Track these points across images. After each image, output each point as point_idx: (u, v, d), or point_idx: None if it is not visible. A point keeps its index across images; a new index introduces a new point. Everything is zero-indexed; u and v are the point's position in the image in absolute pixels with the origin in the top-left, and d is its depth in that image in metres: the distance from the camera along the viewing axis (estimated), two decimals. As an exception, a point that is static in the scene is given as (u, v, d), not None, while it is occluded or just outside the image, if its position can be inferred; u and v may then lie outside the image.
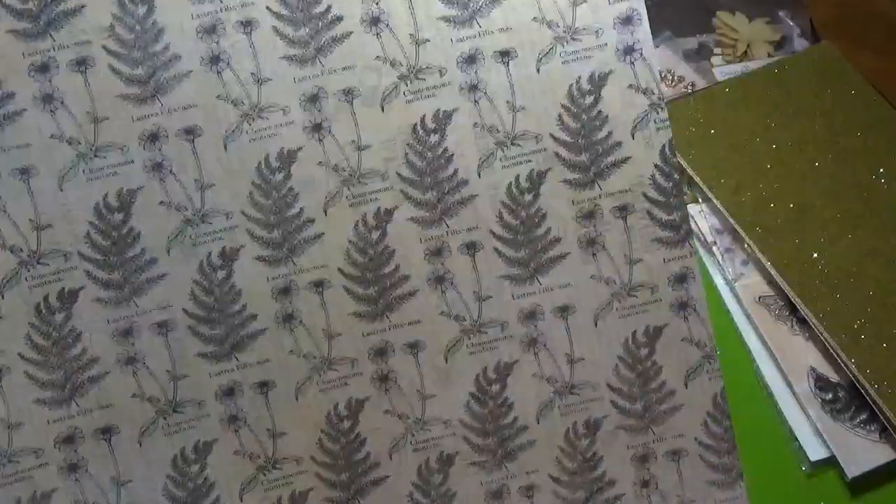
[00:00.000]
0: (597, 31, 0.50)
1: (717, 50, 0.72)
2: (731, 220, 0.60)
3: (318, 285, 0.49)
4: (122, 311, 0.48)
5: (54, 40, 0.46)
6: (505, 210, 0.50)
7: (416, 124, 0.49)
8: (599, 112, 0.50)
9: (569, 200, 0.50)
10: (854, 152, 0.62)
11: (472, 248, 0.50)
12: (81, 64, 0.47)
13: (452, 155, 0.50)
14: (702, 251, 0.61)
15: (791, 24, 0.73)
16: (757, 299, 0.58)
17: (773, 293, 0.59)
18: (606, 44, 0.50)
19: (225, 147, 0.48)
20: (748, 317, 0.58)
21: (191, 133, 0.48)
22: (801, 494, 0.55)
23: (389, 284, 0.50)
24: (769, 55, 0.71)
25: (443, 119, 0.49)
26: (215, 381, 0.49)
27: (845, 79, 0.66)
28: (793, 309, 0.58)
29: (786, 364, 0.56)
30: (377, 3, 0.48)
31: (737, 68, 0.69)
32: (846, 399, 0.55)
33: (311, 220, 0.49)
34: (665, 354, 0.51)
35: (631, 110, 0.50)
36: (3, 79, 0.46)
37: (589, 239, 0.50)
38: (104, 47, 0.47)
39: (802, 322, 0.57)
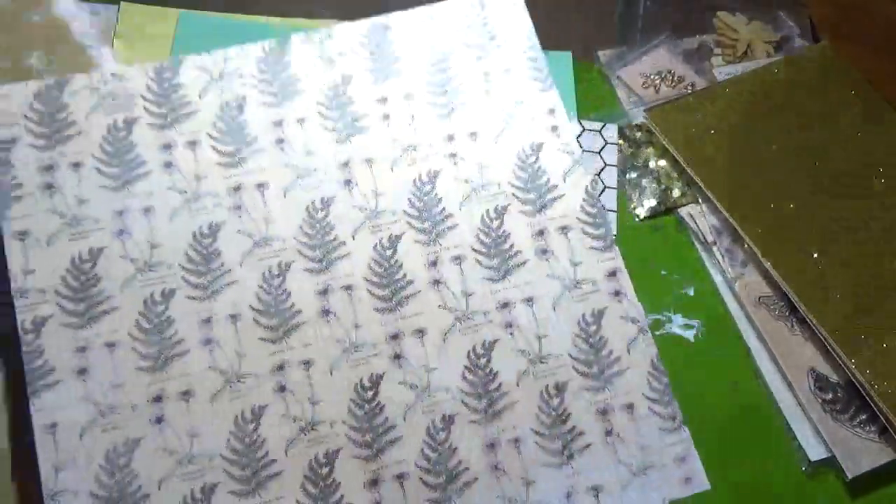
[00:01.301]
0: (532, 117, 0.74)
1: (717, 50, 0.71)
2: (731, 220, 0.59)
3: (348, 288, 0.67)
4: (205, 306, 0.65)
5: (176, 130, 0.70)
6: (480, 233, 0.70)
7: (415, 179, 0.71)
8: (540, 167, 0.72)
9: (525, 224, 0.70)
10: (854, 152, 0.61)
11: (458, 259, 0.69)
12: (192, 144, 0.70)
13: (441, 198, 0.71)
14: (702, 251, 0.61)
15: (791, 24, 0.72)
16: (757, 299, 0.58)
17: (772, 293, 0.58)
18: (539, 125, 0.74)
19: (284, 195, 0.69)
20: (748, 317, 0.58)
21: (262, 186, 0.69)
22: (800, 494, 0.55)
23: (400, 287, 0.67)
24: (769, 55, 0.70)
25: (433, 175, 0.72)
26: (270, 359, 0.64)
27: (845, 79, 0.65)
28: (793, 309, 0.57)
29: (786, 364, 0.56)
30: (384, 105, 0.73)
31: (737, 68, 0.69)
32: (846, 399, 0.55)
33: (343, 243, 0.68)
34: (609, 329, 0.67)
35: (560, 164, 0.72)
36: (141, 154, 0.69)
37: (542, 249, 0.70)
38: (207, 134, 0.70)
39: (802, 322, 0.57)
